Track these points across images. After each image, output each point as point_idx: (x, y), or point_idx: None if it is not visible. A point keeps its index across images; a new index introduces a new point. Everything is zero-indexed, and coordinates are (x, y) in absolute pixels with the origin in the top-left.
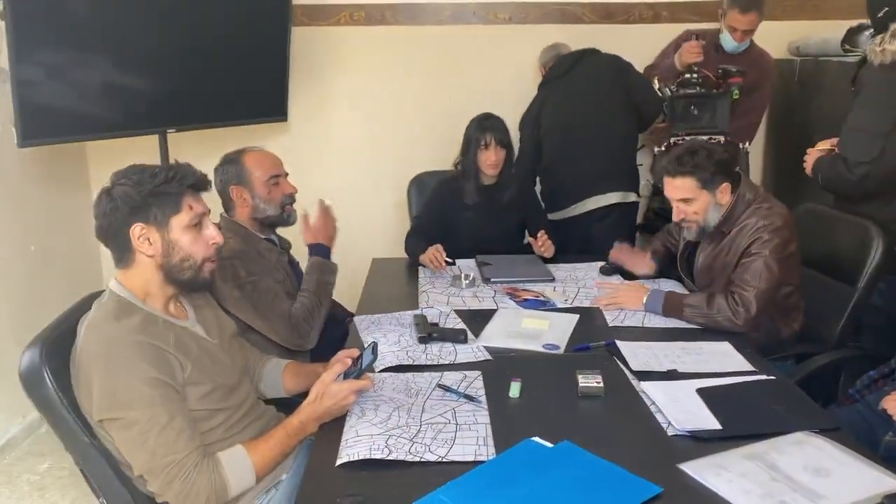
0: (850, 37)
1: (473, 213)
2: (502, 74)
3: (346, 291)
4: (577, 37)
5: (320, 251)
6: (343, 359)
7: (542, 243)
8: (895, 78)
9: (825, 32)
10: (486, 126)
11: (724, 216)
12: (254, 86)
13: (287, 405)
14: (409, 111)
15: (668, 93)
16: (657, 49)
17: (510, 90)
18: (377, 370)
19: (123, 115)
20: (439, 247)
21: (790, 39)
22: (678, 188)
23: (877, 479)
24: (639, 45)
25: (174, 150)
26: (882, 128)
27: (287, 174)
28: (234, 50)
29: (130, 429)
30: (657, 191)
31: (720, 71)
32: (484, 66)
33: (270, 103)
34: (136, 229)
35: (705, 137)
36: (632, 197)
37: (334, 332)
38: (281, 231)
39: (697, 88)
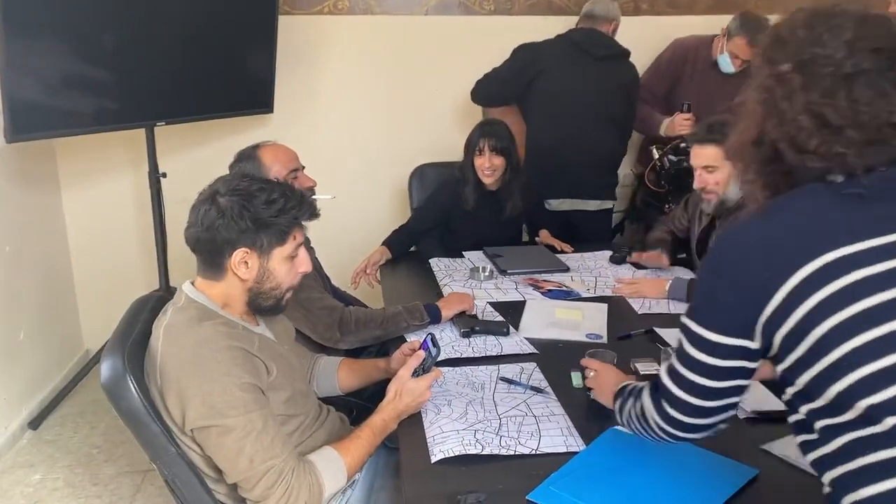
0: None
1: (472, 216)
2: (488, 66)
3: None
4: (562, 28)
5: (433, 311)
6: (407, 352)
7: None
8: None
9: None
10: (484, 131)
11: (740, 199)
12: (240, 77)
13: (344, 405)
14: (396, 102)
15: (668, 163)
16: (637, 41)
17: None
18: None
19: (113, 109)
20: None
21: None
22: (704, 156)
23: None
24: (619, 37)
25: (159, 144)
26: None
27: (304, 167)
28: (221, 41)
29: (228, 435)
30: (642, 182)
31: None
32: (470, 57)
33: (256, 95)
34: (240, 254)
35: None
36: (608, 204)
37: None
38: None
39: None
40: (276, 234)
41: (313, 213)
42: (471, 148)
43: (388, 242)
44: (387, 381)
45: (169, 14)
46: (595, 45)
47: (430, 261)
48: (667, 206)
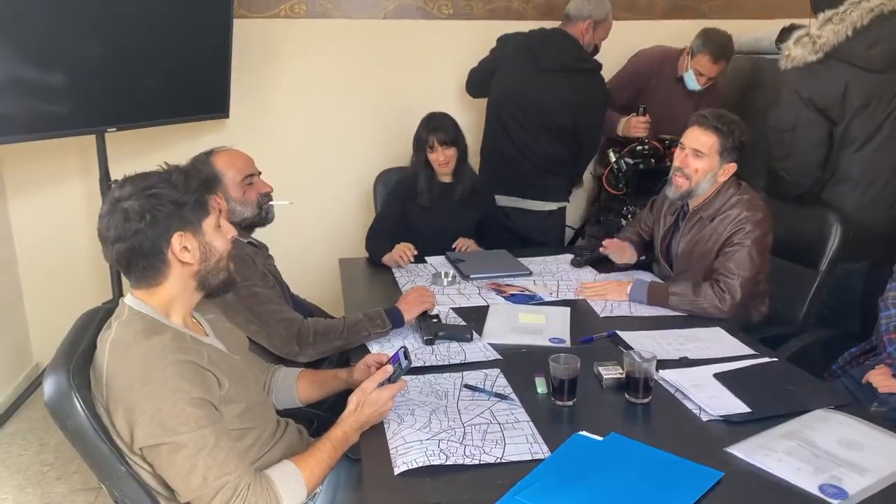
0: (784, 35)
1: (430, 212)
2: (447, 70)
3: (314, 289)
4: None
5: (395, 315)
6: (371, 363)
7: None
8: (792, 81)
9: (759, 31)
10: (431, 127)
11: (705, 202)
12: (195, 82)
13: (304, 416)
14: (354, 107)
15: (624, 166)
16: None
17: (455, 86)
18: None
19: (59, 115)
20: (410, 245)
21: None
22: (699, 139)
23: None
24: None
25: (110, 152)
26: (786, 125)
27: (260, 172)
28: (174, 45)
29: (179, 453)
30: (601, 188)
31: (666, 142)
32: (429, 61)
33: (212, 100)
34: (177, 239)
35: None
36: (551, 206)
37: None
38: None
39: (651, 161)
40: (198, 207)
41: (215, 178)
42: (420, 145)
43: (372, 254)
44: (348, 392)
45: (120, 16)
46: (544, 55)
47: (393, 268)
48: (626, 208)
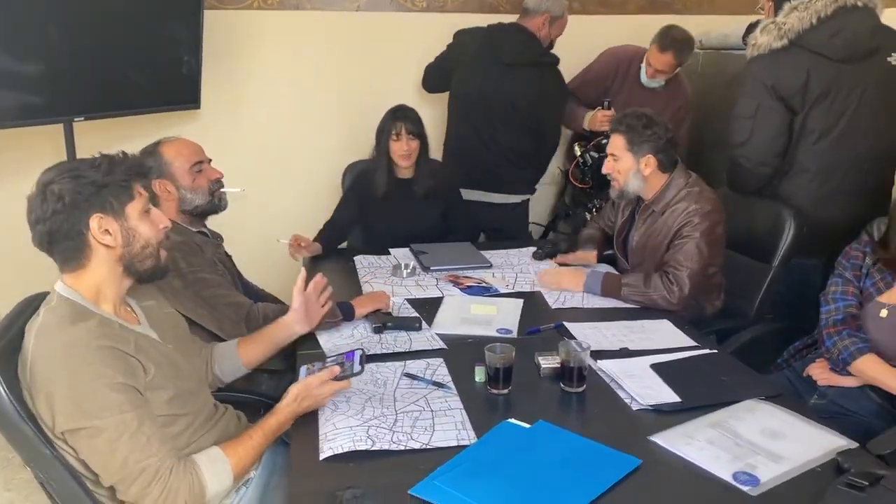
0: (751, 31)
1: (387, 206)
2: (420, 63)
3: (280, 280)
4: None
5: (346, 308)
6: (300, 285)
7: None
8: (756, 69)
9: (727, 27)
10: (398, 116)
11: (656, 196)
12: (165, 72)
13: (242, 405)
14: (327, 99)
15: (590, 160)
16: (568, 39)
17: None
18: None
19: (26, 104)
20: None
21: (693, 33)
22: (612, 144)
23: (824, 438)
24: None
25: (80, 141)
26: (748, 112)
27: (210, 160)
28: (144, 34)
29: (98, 437)
30: (568, 181)
31: None
32: (402, 53)
33: (182, 90)
34: (95, 221)
35: None
36: (515, 199)
37: None
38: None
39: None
40: (120, 191)
41: (142, 166)
42: (385, 134)
43: (318, 238)
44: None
45: (89, 5)
46: (507, 49)
47: (355, 258)
48: (591, 203)
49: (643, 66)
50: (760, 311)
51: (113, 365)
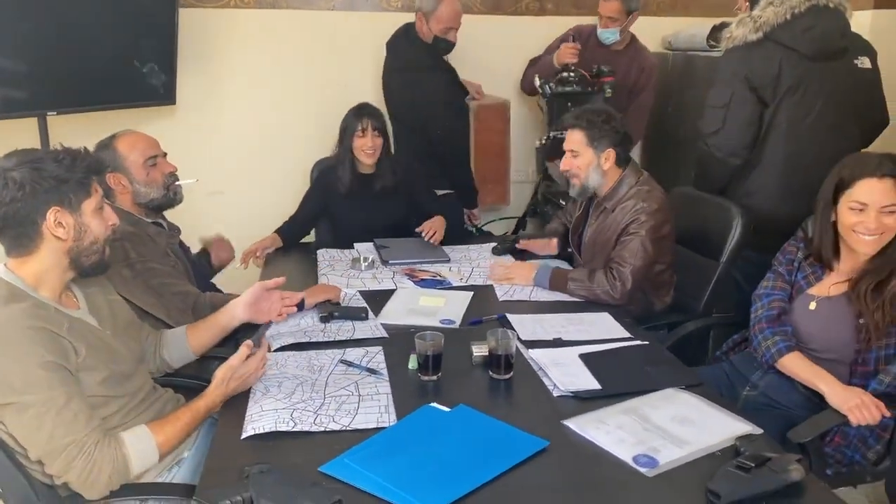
0: (714, 33)
1: (349, 202)
2: None
3: (252, 273)
4: (467, 27)
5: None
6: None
7: (426, 233)
8: (731, 60)
9: (694, 28)
10: (362, 112)
11: (609, 193)
12: (139, 68)
13: (185, 389)
14: (301, 97)
15: (549, 90)
16: (543, 41)
17: None
18: (273, 349)
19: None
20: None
21: (664, 34)
22: (570, 140)
23: (731, 425)
24: (525, 38)
25: (54, 135)
26: (722, 101)
27: (165, 154)
28: (118, 30)
29: (26, 412)
30: (546, 176)
31: (594, 70)
32: (377, 53)
33: (158, 86)
34: (52, 214)
35: None
36: (444, 191)
37: None
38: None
39: (574, 87)
40: (79, 187)
41: (100, 163)
42: (349, 130)
43: (279, 230)
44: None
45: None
46: (402, 52)
47: (318, 252)
48: (563, 201)
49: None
50: (709, 306)
51: (43, 344)
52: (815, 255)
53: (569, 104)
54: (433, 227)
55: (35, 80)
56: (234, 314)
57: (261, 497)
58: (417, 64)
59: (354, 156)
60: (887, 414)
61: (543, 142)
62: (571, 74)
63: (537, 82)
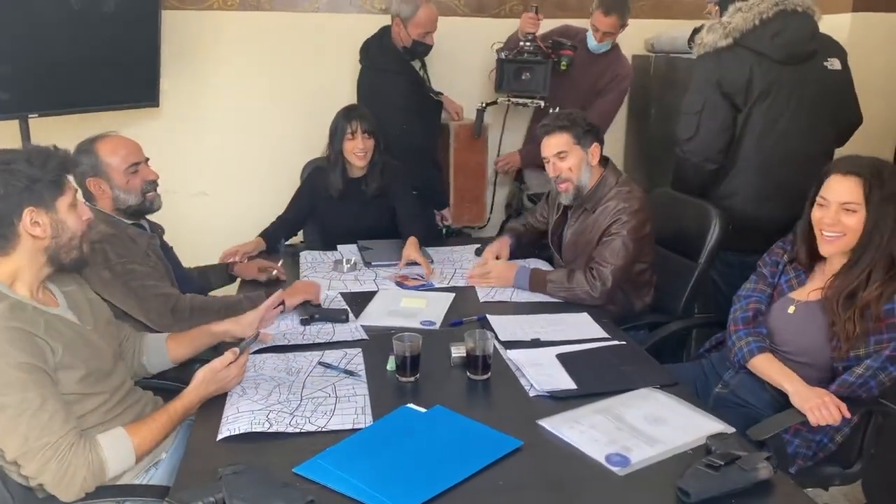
0: (694, 36)
1: (339, 205)
2: None
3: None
4: (452, 30)
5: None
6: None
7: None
8: (703, 66)
9: (675, 31)
10: (352, 115)
11: (589, 193)
12: (123, 70)
13: (164, 391)
14: (287, 99)
15: (503, 56)
16: None
17: None
18: (253, 350)
19: None
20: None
21: (646, 37)
22: (554, 144)
23: (704, 424)
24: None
25: (35, 138)
26: (695, 108)
27: (148, 159)
28: (101, 31)
29: (1, 414)
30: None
31: (551, 42)
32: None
33: (141, 89)
34: (28, 214)
35: (527, 100)
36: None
37: None
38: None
39: (527, 55)
40: (52, 186)
41: (70, 160)
42: (339, 133)
43: (263, 233)
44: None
45: (45, 2)
46: (372, 54)
47: (301, 254)
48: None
49: (589, 33)
50: (688, 306)
51: (18, 345)
52: (796, 256)
53: (520, 73)
54: (412, 258)
55: (16, 82)
56: (227, 334)
57: (233, 498)
58: (384, 67)
59: (345, 159)
60: (847, 415)
61: (485, 105)
62: (528, 44)
63: (496, 48)
